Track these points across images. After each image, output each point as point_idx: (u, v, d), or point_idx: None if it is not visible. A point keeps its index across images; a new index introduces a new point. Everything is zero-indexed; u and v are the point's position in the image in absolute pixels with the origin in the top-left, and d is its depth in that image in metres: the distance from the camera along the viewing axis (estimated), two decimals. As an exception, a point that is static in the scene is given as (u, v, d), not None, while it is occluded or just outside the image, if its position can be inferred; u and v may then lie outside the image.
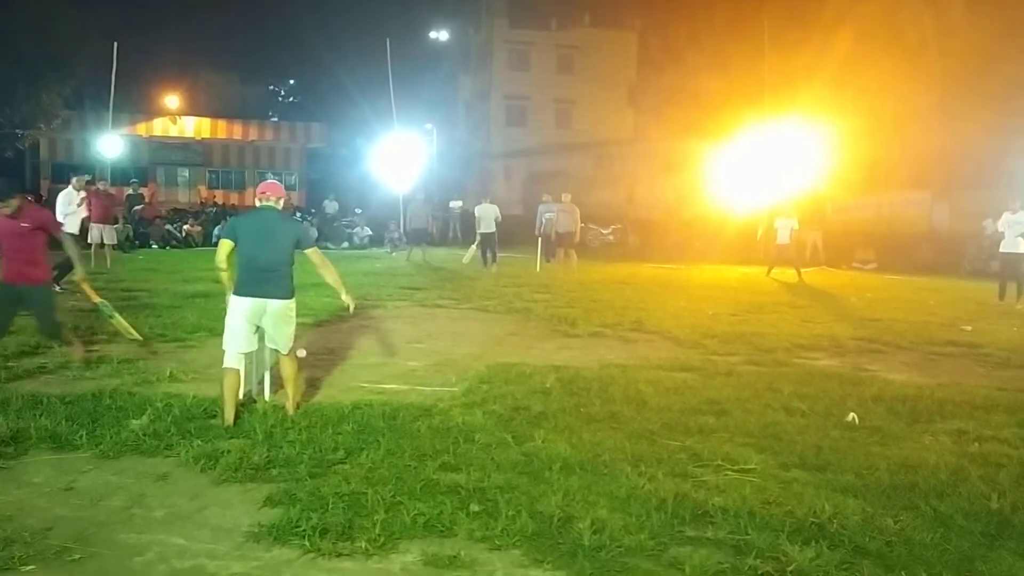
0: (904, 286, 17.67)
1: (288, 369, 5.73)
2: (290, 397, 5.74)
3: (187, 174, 50.00)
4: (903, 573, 3.44)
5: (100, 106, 32.89)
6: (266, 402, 5.96)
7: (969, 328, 10.85)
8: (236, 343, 5.53)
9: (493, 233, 19.33)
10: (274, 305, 5.56)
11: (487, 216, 19.46)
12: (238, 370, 5.54)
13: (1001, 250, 14.48)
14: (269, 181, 6.32)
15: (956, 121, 26.86)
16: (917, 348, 9.39)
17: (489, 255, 19.16)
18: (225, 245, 5.66)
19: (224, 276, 5.79)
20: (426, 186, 23.95)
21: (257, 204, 5.88)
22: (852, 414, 5.93)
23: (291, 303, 5.68)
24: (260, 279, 5.54)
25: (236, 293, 5.59)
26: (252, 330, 5.58)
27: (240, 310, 5.53)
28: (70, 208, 14.16)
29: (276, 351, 5.81)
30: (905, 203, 30.07)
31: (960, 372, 8.07)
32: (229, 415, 5.42)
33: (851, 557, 3.61)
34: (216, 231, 24.96)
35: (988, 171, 24.86)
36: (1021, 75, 25.51)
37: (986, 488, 4.43)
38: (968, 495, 4.35)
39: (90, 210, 17.14)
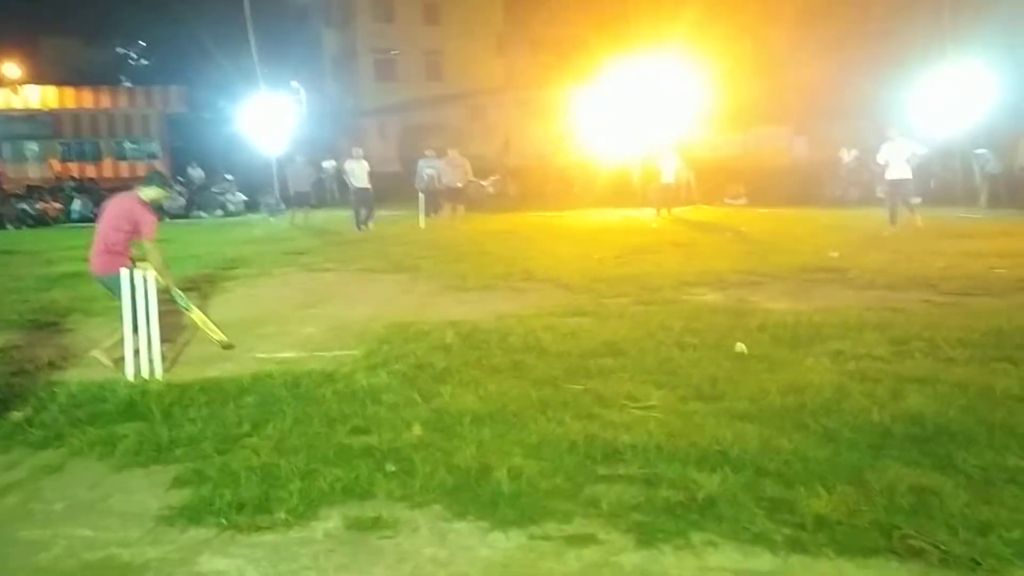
0: (773, 218, 18.52)
1: None
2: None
3: (36, 148, 46.76)
4: (802, 488, 3.67)
5: (-69, 79, 30.29)
6: (159, 381, 5.76)
7: (836, 254, 11.49)
8: None
9: (367, 189, 18.44)
10: None
11: (358, 172, 18.53)
12: None
13: (890, 177, 14.82)
14: None
15: (811, 57, 28.04)
16: (791, 277, 9.89)
17: (364, 213, 18.34)
18: None
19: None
20: (304, 147, 23.16)
21: None
22: (740, 344, 6.23)
23: None
24: None
25: None
26: None
27: None
28: None
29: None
30: (767, 138, 31.36)
31: (832, 296, 8.56)
32: None
33: (754, 479, 3.82)
34: (77, 207, 23.59)
35: (841, 103, 26.17)
36: (868, 14, 26.85)
37: (867, 403, 4.76)
38: (851, 411, 4.66)
39: None
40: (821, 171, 24.64)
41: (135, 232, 6.25)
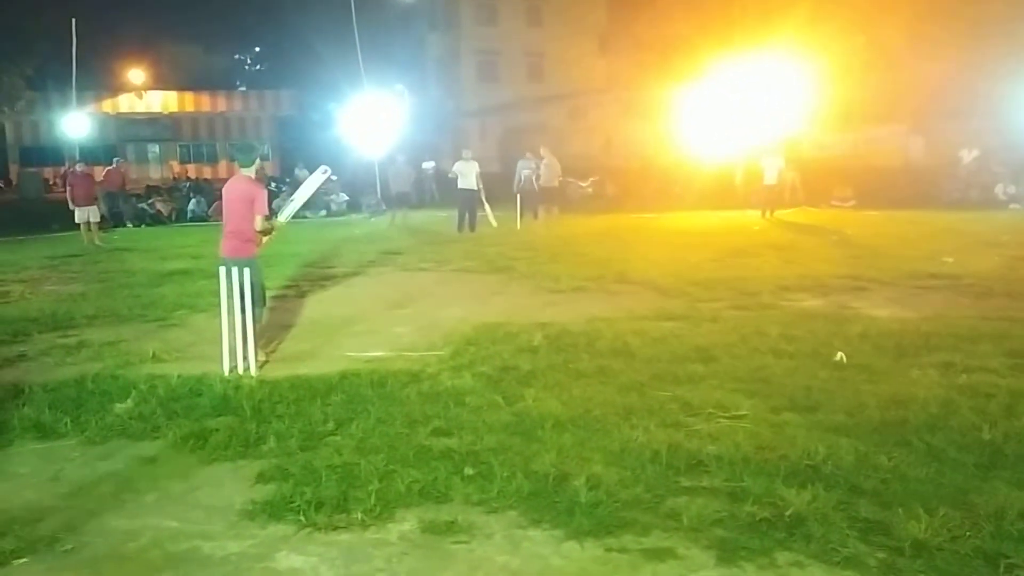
0: (884, 221, 17.71)
1: None
2: None
3: (157, 150, 49.26)
4: (900, 510, 3.45)
5: (64, 85, 32.18)
6: (252, 377, 5.90)
7: (950, 260, 10.89)
8: None
9: (474, 191, 17.56)
10: None
11: (466, 172, 17.63)
12: None
13: None
14: None
15: (928, 55, 26.76)
16: (900, 283, 9.42)
17: (467, 217, 17.57)
18: None
19: None
20: (405, 148, 23.41)
21: None
22: (840, 353, 5.94)
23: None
24: None
25: None
26: None
27: None
28: None
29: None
30: (880, 138, 30.11)
31: (944, 304, 8.10)
32: None
33: (847, 497, 3.61)
34: (192, 206, 24.63)
35: (961, 101, 24.85)
36: (991, 9, 25.42)
37: (977, 419, 4.45)
38: (959, 427, 4.37)
39: (73, 192, 16.93)
40: (939, 172, 23.44)
41: (252, 208, 6.36)
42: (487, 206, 17.82)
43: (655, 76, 35.03)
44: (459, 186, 17.85)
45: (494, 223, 17.54)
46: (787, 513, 3.47)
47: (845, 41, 27.16)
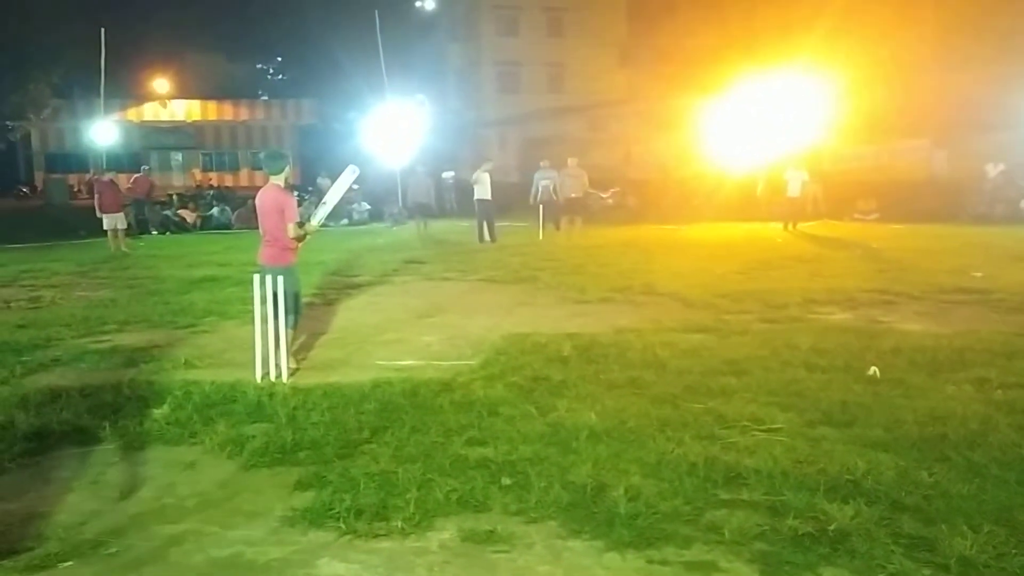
0: (908, 235, 17.61)
1: None
2: None
3: (180, 158, 49.76)
4: (943, 526, 3.43)
5: (89, 93, 32.58)
6: (285, 385, 5.94)
7: (979, 274, 10.81)
8: None
9: (490, 202, 17.95)
10: None
11: (482, 183, 18.00)
12: None
13: None
14: None
15: (953, 68, 26.62)
16: (929, 297, 9.36)
17: (486, 227, 17.80)
18: None
19: None
20: (425, 158, 23.56)
21: None
22: (873, 368, 5.91)
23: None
24: None
25: None
26: None
27: None
28: None
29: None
30: (904, 151, 29.93)
31: (975, 319, 8.03)
32: None
33: (890, 513, 3.59)
34: (216, 214, 24.83)
35: (986, 115, 24.66)
36: (1017, 22, 25.28)
37: (1016, 436, 4.42)
38: (999, 444, 4.33)
39: (101, 200, 17.10)
40: (963, 186, 23.27)
41: (284, 217, 6.42)
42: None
43: (676, 88, 35.01)
44: (476, 196, 18.07)
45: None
46: (830, 528, 3.46)
47: (868, 54, 27.05)
